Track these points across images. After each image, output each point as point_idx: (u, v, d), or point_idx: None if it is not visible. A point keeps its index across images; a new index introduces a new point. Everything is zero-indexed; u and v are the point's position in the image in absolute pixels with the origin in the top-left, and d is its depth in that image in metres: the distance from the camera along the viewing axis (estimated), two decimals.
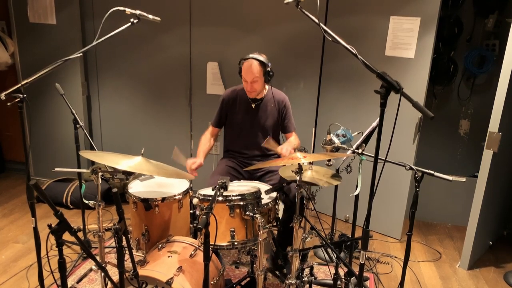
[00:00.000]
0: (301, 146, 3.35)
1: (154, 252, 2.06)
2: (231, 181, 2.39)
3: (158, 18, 2.16)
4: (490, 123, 2.66)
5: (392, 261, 3.02)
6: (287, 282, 2.13)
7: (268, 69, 2.52)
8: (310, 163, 2.24)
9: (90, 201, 2.80)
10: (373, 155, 1.52)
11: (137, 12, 2.08)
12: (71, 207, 3.58)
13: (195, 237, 2.33)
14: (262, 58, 2.50)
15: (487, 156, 2.72)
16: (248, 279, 2.46)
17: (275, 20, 3.43)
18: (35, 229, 2.04)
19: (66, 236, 1.41)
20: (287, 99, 2.74)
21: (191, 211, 2.39)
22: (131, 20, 2.08)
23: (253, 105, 2.68)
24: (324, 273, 2.79)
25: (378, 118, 1.50)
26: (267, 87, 2.69)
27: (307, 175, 2.19)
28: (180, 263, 1.94)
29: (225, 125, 2.81)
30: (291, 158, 2.01)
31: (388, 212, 3.34)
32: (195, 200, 2.09)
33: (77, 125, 2.57)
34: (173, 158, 2.44)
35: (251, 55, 2.51)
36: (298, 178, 1.99)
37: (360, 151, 2.12)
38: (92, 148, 2.78)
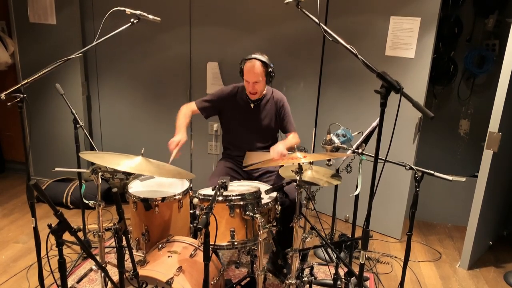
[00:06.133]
0: (301, 146, 3.36)
1: (154, 252, 2.06)
2: (231, 181, 2.39)
3: (158, 18, 2.16)
4: (490, 123, 2.66)
5: (392, 261, 3.02)
6: (287, 282, 2.13)
7: (270, 70, 2.52)
8: (310, 163, 2.24)
9: (90, 201, 2.81)
10: (373, 155, 1.52)
11: (137, 12, 2.08)
12: (71, 207, 3.58)
13: (195, 237, 2.33)
14: (264, 58, 2.49)
15: (487, 156, 2.72)
16: (248, 279, 2.46)
17: (275, 20, 3.43)
18: (35, 229, 2.05)
19: (66, 236, 1.41)
20: (285, 99, 2.72)
21: (191, 211, 2.39)
22: (131, 20, 2.08)
23: (251, 105, 2.67)
24: (324, 273, 2.79)
25: (378, 118, 1.50)
26: (266, 87, 2.69)
27: (307, 175, 2.19)
28: (180, 263, 1.94)
29: (222, 123, 2.80)
30: (290, 158, 2.01)
31: (388, 212, 3.34)
32: (195, 200, 2.09)
33: (77, 125, 2.57)
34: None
35: (253, 55, 2.49)
36: (298, 178, 1.99)
37: (360, 151, 2.12)
38: (92, 148, 2.78)
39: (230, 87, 2.75)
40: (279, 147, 2.45)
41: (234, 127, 2.74)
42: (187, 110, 2.69)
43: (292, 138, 2.66)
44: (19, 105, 1.87)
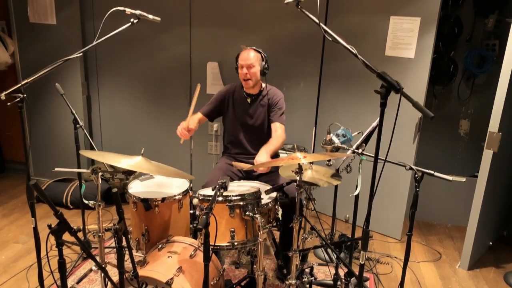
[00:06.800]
0: (301, 146, 3.35)
1: (154, 252, 2.06)
2: (231, 180, 2.39)
3: (158, 18, 2.16)
4: (490, 123, 2.66)
5: (392, 261, 3.02)
6: (287, 282, 2.13)
7: (264, 59, 2.60)
8: (310, 162, 2.24)
9: (90, 201, 2.80)
10: (373, 155, 1.52)
11: (137, 12, 2.08)
12: (71, 207, 3.58)
13: (195, 237, 2.33)
14: (257, 48, 2.61)
15: (487, 156, 2.72)
16: (248, 279, 2.46)
17: (275, 20, 3.43)
18: (35, 229, 2.04)
19: (66, 236, 1.41)
20: (281, 96, 2.71)
21: (191, 211, 2.39)
22: (131, 20, 2.08)
23: (248, 100, 2.69)
24: (324, 273, 2.79)
25: (378, 118, 1.50)
26: (263, 84, 2.70)
27: (307, 175, 2.19)
28: (180, 263, 1.94)
29: (223, 122, 2.82)
30: (291, 158, 2.01)
31: (388, 212, 3.34)
32: (195, 200, 2.09)
33: (77, 125, 2.57)
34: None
35: (248, 47, 2.61)
36: (298, 178, 1.99)
37: (360, 151, 2.12)
38: (92, 148, 2.78)
39: (228, 85, 2.82)
40: (261, 157, 2.42)
41: (233, 124, 2.75)
42: (194, 116, 2.73)
43: (276, 139, 2.59)
44: (19, 105, 1.87)
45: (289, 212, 2.44)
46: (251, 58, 2.56)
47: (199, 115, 2.76)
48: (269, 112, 2.69)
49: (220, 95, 2.77)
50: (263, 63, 2.59)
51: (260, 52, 2.61)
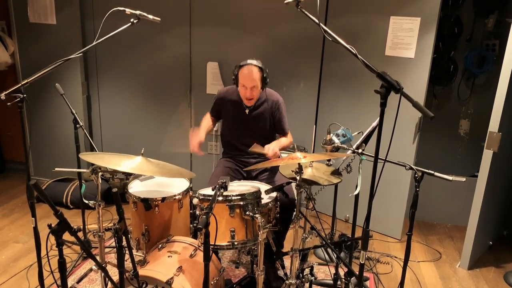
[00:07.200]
0: (301, 146, 3.35)
1: (154, 252, 2.07)
2: (231, 181, 2.39)
3: (158, 18, 2.16)
4: (490, 123, 2.66)
5: (392, 261, 3.02)
6: (287, 282, 2.13)
7: (265, 75, 2.51)
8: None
9: (90, 201, 2.81)
10: (373, 155, 1.52)
11: (137, 12, 2.08)
12: (71, 207, 3.58)
13: (195, 237, 2.33)
14: (260, 64, 2.49)
15: (487, 156, 2.72)
16: (248, 279, 2.46)
17: (275, 20, 3.43)
18: (35, 229, 2.05)
19: (66, 236, 1.41)
20: (281, 100, 2.68)
21: (191, 211, 2.39)
22: (131, 20, 2.08)
23: (246, 111, 2.66)
24: (324, 273, 2.79)
25: (378, 118, 1.50)
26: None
27: (307, 173, 2.19)
28: (180, 263, 1.94)
29: (222, 122, 2.82)
30: (291, 158, 2.01)
31: (388, 212, 3.34)
32: (195, 200, 2.09)
33: (77, 125, 2.57)
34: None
35: (249, 61, 2.47)
36: (298, 178, 1.99)
37: (360, 151, 2.12)
38: (92, 148, 2.78)
39: (226, 88, 2.78)
40: (273, 146, 2.46)
41: (230, 129, 2.74)
42: (207, 117, 2.79)
43: (286, 140, 2.68)
44: (19, 105, 1.87)
45: (289, 211, 2.44)
46: (255, 80, 2.44)
47: (208, 116, 2.78)
48: (273, 122, 2.68)
49: (218, 98, 2.73)
50: (265, 76, 2.50)
51: (262, 69, 2.47)
